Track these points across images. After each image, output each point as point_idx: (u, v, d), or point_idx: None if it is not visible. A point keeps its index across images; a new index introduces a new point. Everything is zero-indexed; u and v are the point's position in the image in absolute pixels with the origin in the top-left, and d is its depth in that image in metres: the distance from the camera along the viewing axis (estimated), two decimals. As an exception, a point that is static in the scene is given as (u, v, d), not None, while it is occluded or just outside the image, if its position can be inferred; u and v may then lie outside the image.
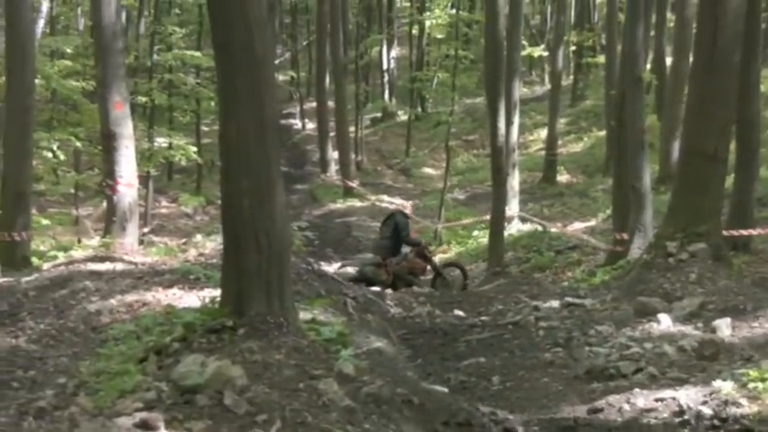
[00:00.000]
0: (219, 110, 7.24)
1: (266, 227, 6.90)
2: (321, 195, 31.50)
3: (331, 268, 16.19)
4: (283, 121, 42.58)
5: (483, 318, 11.62)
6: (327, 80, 35.48)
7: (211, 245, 14.26)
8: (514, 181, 22.89)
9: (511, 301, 12.58)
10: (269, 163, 6.97)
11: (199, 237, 19.18)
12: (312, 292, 10.60)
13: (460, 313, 12.23)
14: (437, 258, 18.54)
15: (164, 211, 28.12)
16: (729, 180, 13.63)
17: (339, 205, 29.55)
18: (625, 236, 15.07)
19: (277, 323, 6.72)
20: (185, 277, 11.19)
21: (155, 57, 28.20)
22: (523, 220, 22.59)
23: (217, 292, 7.54)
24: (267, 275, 6.89)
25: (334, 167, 33.86)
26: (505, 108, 19.54)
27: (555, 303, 11.62)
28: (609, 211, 19.89)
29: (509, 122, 21.10)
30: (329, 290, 11.13)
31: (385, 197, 29.80)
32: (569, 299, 11.76)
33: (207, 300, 7.68)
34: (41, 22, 28.59)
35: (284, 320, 6.79)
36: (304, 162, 37.81)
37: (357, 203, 29.55)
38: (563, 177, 29.15)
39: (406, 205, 20.77)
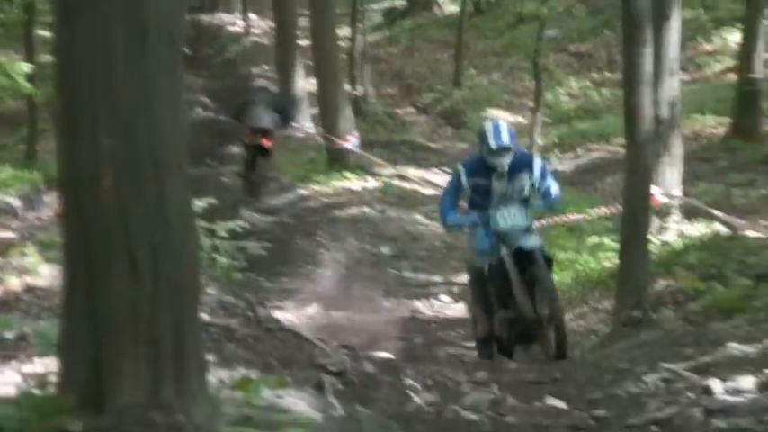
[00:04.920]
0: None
1: (148, 229, 4.45)
2: (283, 168, 20.75)
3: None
4: (205, 18, 33.67)
5: (598, 412, 7.73)
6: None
7: (52, 270, 9.74)
8: (673, 136, 16.11)
9: (658, 379, 8.54)
10: (154, 101, 4.45)
11: (28, 252, 13.68)
12: (254, 361, 7.29)
13: (557, 403, 8.14)
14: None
15: (-44, 201, 21.50)
16: None
17: (319, 187, 19.27)
18: None
19: (171, 426, 4.46)
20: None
21: None
22: (691, 213, 16.30)
23: (54, 365, 5.23)
24: (150, 328, 4.48)
25: (307, 111, 22.64)
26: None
27: (748, 382, 7.95)
28: None
29: (662, 16, 15.72)
30: (290, 358, 7.59)
31: (411, 170, 19.92)
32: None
33: (34, 382, 5.48)
34: None
35: (186, 421, 4.50)
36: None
37: (356, 184, 19.51)
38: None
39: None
